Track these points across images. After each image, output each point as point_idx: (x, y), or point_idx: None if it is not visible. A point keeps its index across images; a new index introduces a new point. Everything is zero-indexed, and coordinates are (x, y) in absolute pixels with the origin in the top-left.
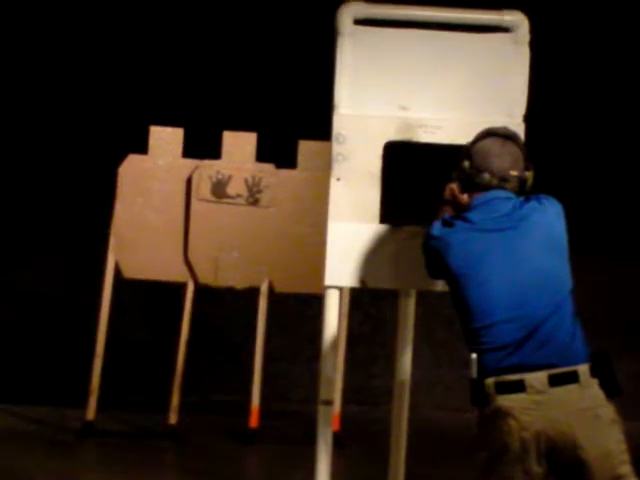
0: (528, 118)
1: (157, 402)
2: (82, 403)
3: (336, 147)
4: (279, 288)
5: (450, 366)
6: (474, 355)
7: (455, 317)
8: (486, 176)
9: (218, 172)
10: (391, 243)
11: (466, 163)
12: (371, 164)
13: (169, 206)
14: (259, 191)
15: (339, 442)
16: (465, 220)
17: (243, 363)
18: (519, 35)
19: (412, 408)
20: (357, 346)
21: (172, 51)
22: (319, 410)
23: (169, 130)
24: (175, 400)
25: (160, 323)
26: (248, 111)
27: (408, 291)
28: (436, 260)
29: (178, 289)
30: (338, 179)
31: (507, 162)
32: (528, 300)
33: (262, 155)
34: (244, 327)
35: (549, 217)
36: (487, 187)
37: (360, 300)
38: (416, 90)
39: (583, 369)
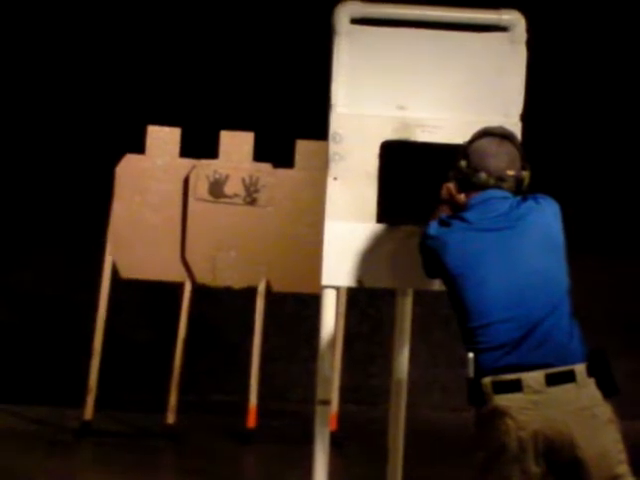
0: (525, 117)
1: (155, 402)
2: (80, 403)
3: (333, 146)
4: (277, 288)
5: (447, 366)
6: (471, 354)
7: (452, 317)
8: (483, 176)
9: (215, 172)
10: (388, 242)
11: (463, 163)
12: (368, 163)
13: (166, 206)
14: (256, 191)
15: (337, 442)
16: (462, 220)
17: (241, 363)
18: (516, 34)
19: (409, 408)
20: (354, 346)
21: (169, 51)
22: (317, 410)
23: (166, 130)
24: (173, 400)
25: (158, 323)
26: (245, 111)
27: (405, 290)
28: (433, 260)
29: (176, 289)
30: (335, 178)
31: (504, 162)
32: (525, 300)
33: (259, 155)
34: (242, 327)
35: (546, 217)
36: (484, 187)
37: (357, 300)
38: (413, 89)
39: (580, 368)
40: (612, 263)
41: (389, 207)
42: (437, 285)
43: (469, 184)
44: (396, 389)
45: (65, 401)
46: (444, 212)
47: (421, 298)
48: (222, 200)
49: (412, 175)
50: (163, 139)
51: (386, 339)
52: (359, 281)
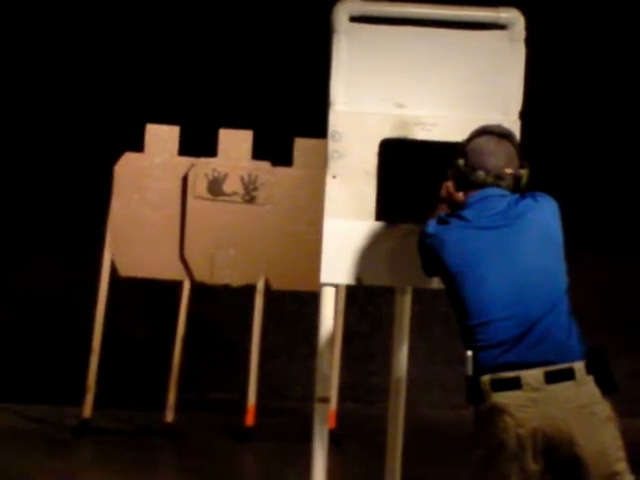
0: (524, 115)
1: (153, 400)
2: (79, 401)
3: (332, 144)
4: (275, 286)
5: (446, 363)
6: (470, 352)
7: (451, 314)
8: (481, 174)
9: (214, 170)
10: (387, 240)
11: (461, 161)
12: (367, 161)
13: (165, 204)
14: (255, 189)
15: (335, 439)
16: (460, 218)
17: (239, 361)
18: (515, 32)
19: (408, 406)
20: (353, 343)
21: (168, 49)
22: (315, 407)
23: (165, 128)
24: (171, 398)
25: (156, 321)
26: (244, 109)
27: (404, 288)
28: (432, 258)
29: (174, 287)
30: (334, 176)
31: (502, 160)
32: (524, 298)
33: (258, 153)
34: (240, 325)
35: (545, 215)
36: (482, 185)
37: (356, 297)
38: (412, 87)
39: (579, 366)
40: (611, 262)
41: (388, 205)
42: (436, 283)
43: (467, 182)
44: (395, 387)
45: (64, 399)
46: (443, 210)
47: (420, 296)
48: (221, 198)
49: (411, 173)
50: (162, 137)
51: (385, 337)
52: (358, 279)
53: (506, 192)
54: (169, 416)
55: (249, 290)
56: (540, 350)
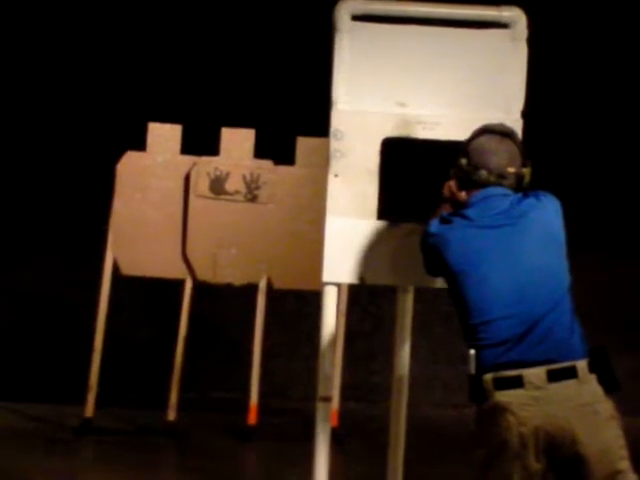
0: (526, 114)
1: (155, 399)
2: (81, 400)
3: (334, 143)
4: (277, 285)
5: (448, 363)
6: (472, 351)
7: (453, 314)
8: (483, 173)
9: (216, 169)
10: (389, 240)
11: (463, 160)
12: (369, 160)
13: (167, 203)
14: (257, 187)
15: (338, 439)
16: (463, 217)
17: (241, 360)
18: (517, 31)
19: (410, 405)
20: (356, 343)
21: (170, 48)
22: (317, 407)
23: (167, 127)
24: (173, 397)
25: (158, 320)
26: (246, 107)
27: (406, 287)
28: (434, 257)
29: (176, 286)
30: (336, 175)
31: (504, 159)
32: (527, 297)
33: (260, 151)
34: (242, 324)
35: (547, 214)
36: (484, 184)
37: (359, 297)
38: (414, 86)
39: (581, 365)
40: (611, 262)
41: (390, 204)
42: (438, 282)
43: (470, 182)
44: (397, 386)
45: (66, 399)
46: (446, 210)
47: (422, 295)
48: (223, 197)
49: (413, 172)
50: (164, 136)
51: (387, 336)
52: (360, 278)
53: (509, 191)
54: (171, 415)
55: (251, 289)
56: (542, 349)
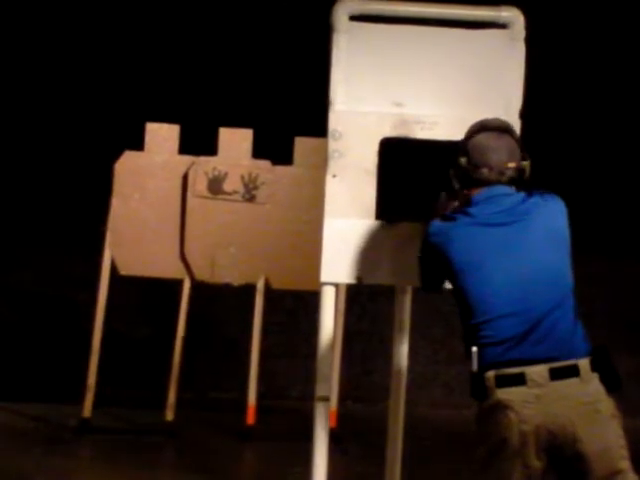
0: (524, 115)
1: (154, 399)
2: (79, 400)
3: (332, 144)
4: (276, 285)
5: (447, 363)
6: (475, 348)
7: (451, 314)
8: (484, 171)
9: (214, 168)
10: (387, 239)
11: (463, 159)
12: (367, 160)
13: (165, 203)
14: (255, 188)
15: (336, 439)
16: (466, 214)
17: (240, 360)
18: (515, 31)
19: (409, 405)
20: (354, 343)
21: (168, 48)
22: (316, 407)
23: (165, 127)
24: (172, 397)
25: (156, 320)
26: (244, 107)
27: (404, 287)
28: (435, 260)
29: (174, 286)
30: (334, 176)
31: (504, 155)
32: (529, 295)
33: (258, 151)
34: (241, 324)
35: (552, 213)
36: (486, 182)
37: (357, 297)
38: (412, 86)
39: (583, 363)
40: (612, 262)
41: (388, 204)
42: None
43: (471, 180)
44: (395, 386)
45: (64, 398)
46: (450, 208)
47: (420, 295)
48: (221, 197)
49: (411, 172)
50: (162, 136)
51: (386, 336)
52: (358, 278)
53: (512, 190)
54: (169, 415)
55: (249, 289)
56: (545, 347)
